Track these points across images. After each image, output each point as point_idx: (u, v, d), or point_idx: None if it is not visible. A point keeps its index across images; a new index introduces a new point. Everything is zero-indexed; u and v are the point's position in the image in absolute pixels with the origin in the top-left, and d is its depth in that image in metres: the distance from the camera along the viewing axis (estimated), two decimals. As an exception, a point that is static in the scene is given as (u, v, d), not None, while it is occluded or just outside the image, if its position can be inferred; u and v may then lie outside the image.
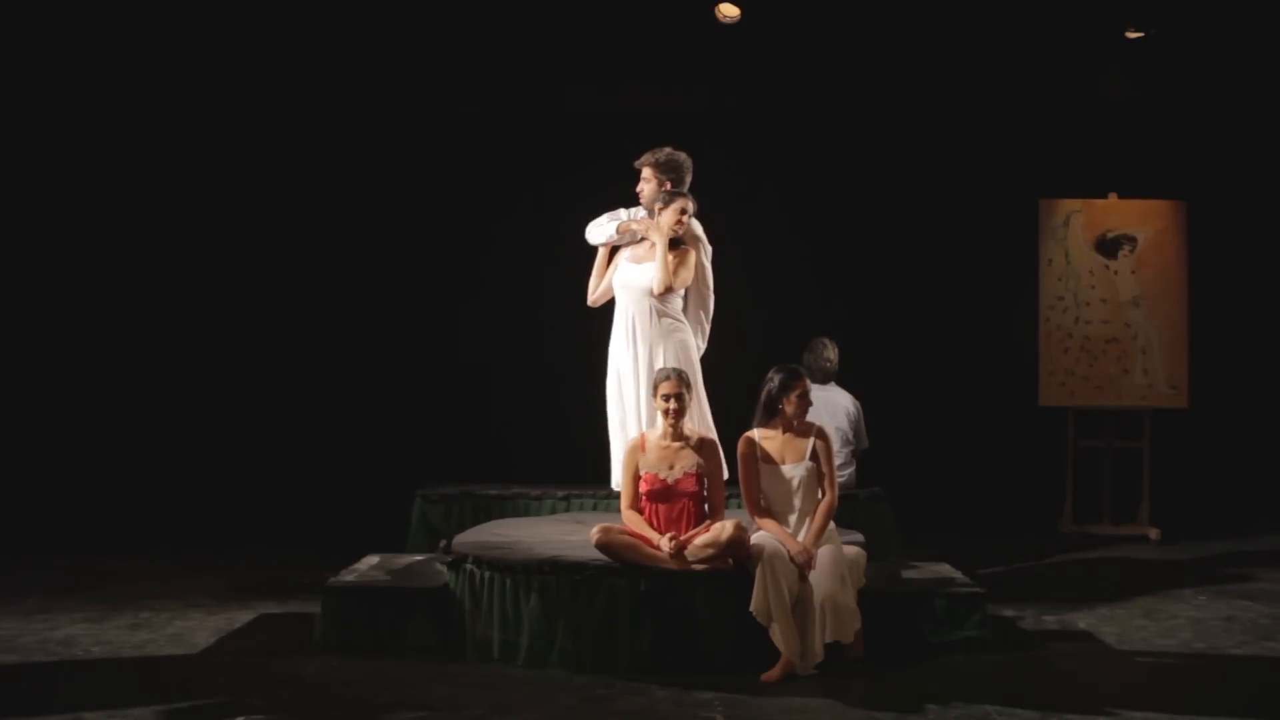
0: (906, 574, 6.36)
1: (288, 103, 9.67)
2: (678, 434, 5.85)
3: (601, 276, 6.63)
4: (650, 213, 6.45)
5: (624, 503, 5.89)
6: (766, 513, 5.79)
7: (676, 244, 6.36)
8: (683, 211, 6.32)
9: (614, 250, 6.64)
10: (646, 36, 9.33)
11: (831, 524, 5.85)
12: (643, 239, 6.44)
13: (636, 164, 6.53)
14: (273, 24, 9.10)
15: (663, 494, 5.76)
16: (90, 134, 9.62)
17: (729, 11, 8.84)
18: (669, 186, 6.46)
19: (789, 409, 5.81)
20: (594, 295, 6.67)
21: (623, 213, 6.60)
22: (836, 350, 7.96)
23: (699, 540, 5.63)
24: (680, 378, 5.87)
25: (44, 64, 9.36)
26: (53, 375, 9.69)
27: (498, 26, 9.29)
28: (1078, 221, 9.58)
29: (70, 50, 9.28)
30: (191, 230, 9.78)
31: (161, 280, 9.80)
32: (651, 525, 5.76)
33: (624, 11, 9.12)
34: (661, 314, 6.33)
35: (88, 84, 9.50)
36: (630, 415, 6.35)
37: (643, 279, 6.33)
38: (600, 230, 6.61)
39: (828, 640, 5.45)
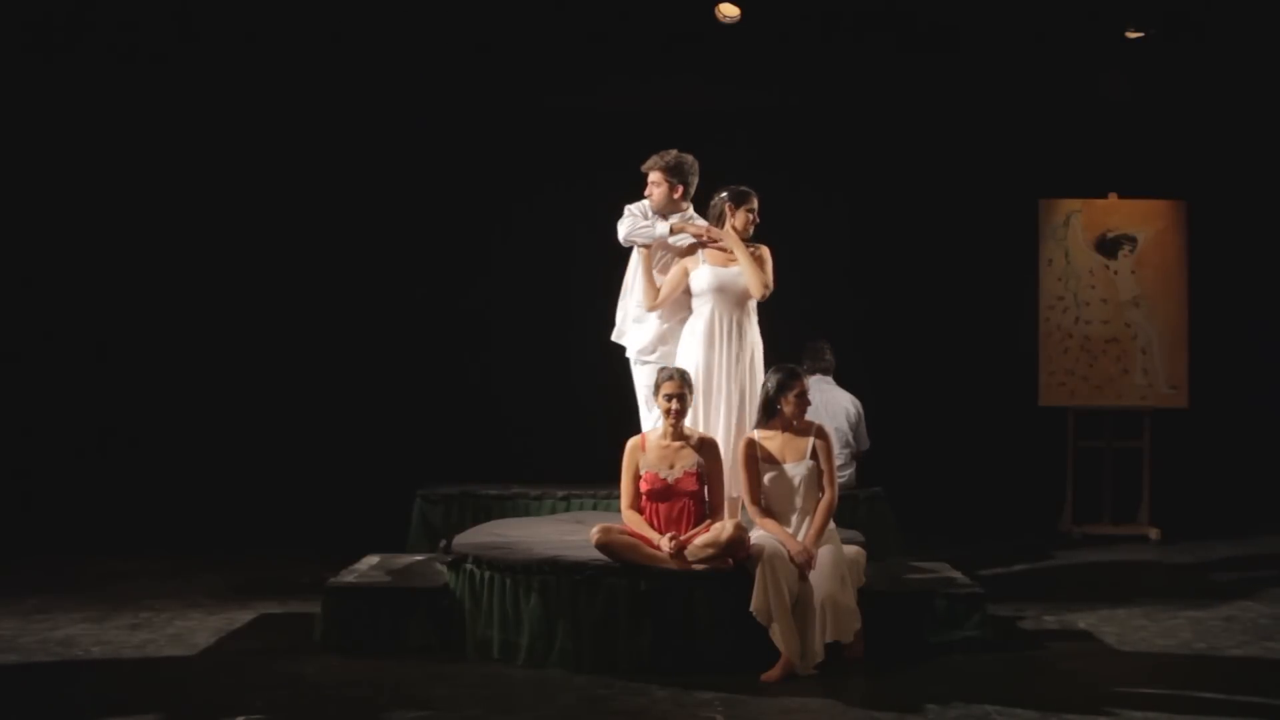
0: (906, 574, 6.36)
1: (287, 102, 9.66)
2: (678, 433, 5.86)
3: (652, 278, 6.45)
4: (691, 218, 6.47)
5: (624, 502, 5.89)
6: (767, 512, 5.79)
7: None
8: (751, 211, 6.32)
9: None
10: (647, 36, 9.33)
11: (831, 524, 5.86)
12: (700, 241, 6.36)
13: (643, 168, 6.51)
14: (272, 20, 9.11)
15: (663, 493, 5.77)
16: (89, 134, 9.60)
17: (729, 11, 8.84)
18: (681, 191, 6.46)
19: (787, 409, 5.82)
20: (658, 299, 6.43)
21: (635, 209, 6.57)
22: (831, 351, 7.99)
23: (699, 540, 5.63)
24: (683, 378, 5.88)
25: (39, 64, 9.36)
26: (52, 375, 9.69)
27: (511, 25, 9.28)
28: (1078, 221, 9.58)
29: (66, 50, 9.28)
30: (193, 232, 9.78)
31: (161, 280, 9.79)
32: (651, 525, 5.77)
33: (626, 11, 9.11)
34: (752, 317, 6.33)
35: (86, 83, 9.50)
36: (715, 416, 6.20)
37: (740, 281, 6.26)
38: (643, 231, 6.47)
39: (828, 640, 5.45)
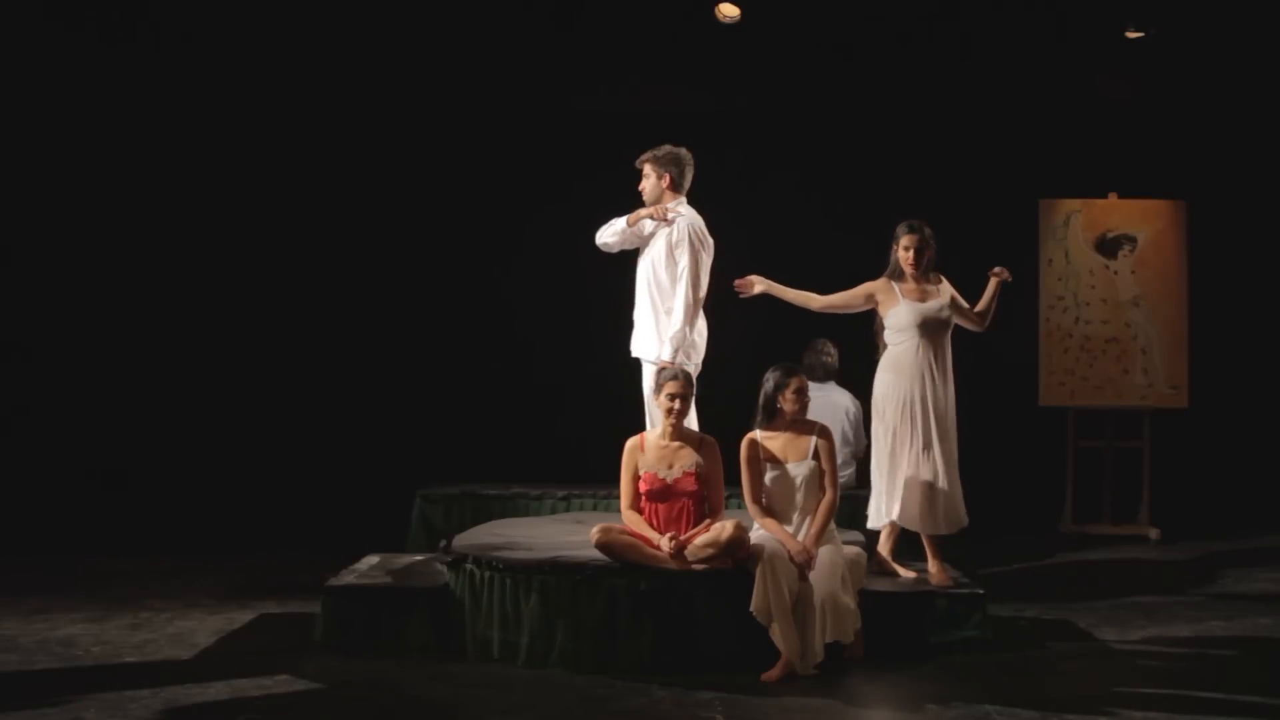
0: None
1: (291, 100, 9.66)
2: (678, 434, 5.86)
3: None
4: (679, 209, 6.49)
5: (624, 503, 5.90)
6: (768, 512, 5.79)
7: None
8: (908, 248, 6.43)
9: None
10: (648, 36, 9.33)
11: (832, 524, 5.86)
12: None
13: (636, 163, 6.56)
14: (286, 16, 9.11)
15: (662, 493, 5.77)
16: (89, 127, 9.58)
17: (729, 11, 8.84)
18: (669, 181, 6.49)
19: (787, 407, 5.83)
20: (830, 304, 6.66)
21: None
22: (836, 350, 7.97)
23: (699, 540, 5.63)
24: (686, 379, 5.91)
25: (37, 53, 9.34)
26: (52, 375, 9.68)
27: (524, 26, 9.29)
28: (1078, 221, 9.58)
29: (66, 41, 9.26)
30: (194, 231, 9.76)
31: (162, 279, 9.78)
32: (651, 525, 5.77)
33: (629, 12, 9.12)
34: (949, 346, 6.49)
35: (85, 84, 9.49)
36: (903, 448, 6.30)
37: (940, 314, 6.41)
38: (610, 229, 6.56)
39: (828, 640, 5.46)
